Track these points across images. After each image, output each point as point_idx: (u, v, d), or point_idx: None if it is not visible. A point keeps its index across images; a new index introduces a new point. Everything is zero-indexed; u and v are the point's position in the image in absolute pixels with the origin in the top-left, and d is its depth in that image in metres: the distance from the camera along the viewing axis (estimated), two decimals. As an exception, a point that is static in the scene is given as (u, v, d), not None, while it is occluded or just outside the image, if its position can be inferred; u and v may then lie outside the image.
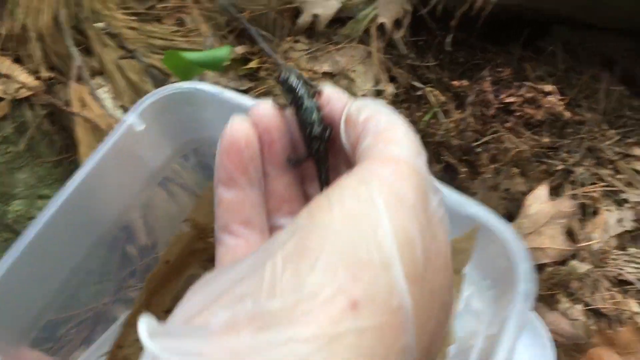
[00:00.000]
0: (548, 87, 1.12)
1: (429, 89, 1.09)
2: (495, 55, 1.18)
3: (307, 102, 0.34)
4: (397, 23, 1.08)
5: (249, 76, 1.04)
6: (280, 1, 1.09)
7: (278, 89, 0.99)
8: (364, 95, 1.05)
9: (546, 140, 1.03)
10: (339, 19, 1.09)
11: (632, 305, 0.90)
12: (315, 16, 1.07)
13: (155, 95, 0.60)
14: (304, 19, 1.07)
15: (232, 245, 0.33)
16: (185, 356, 0.21)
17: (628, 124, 1.11)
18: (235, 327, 0.22)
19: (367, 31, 1.08)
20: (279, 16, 1.10)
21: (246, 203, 0.33)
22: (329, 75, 1.06)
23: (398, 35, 1.08)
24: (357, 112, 0.32)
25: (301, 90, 0.35)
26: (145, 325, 0.22)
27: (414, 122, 1.01)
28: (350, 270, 0.23)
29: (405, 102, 1.08)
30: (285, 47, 1.08)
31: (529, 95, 1.11)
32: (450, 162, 0.89)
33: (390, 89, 1.06)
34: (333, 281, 0.23)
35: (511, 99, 1.11)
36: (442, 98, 1.08)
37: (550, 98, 1.11)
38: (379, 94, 1.05)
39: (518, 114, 1.10)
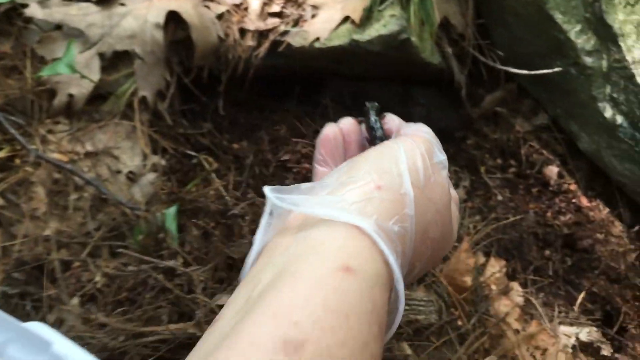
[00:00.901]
0: (323, 140, 1.15)
1: (203, 156, 1.08)
2: (272, 113, 1.19)
3: (374, 118, 0.56)
4: (161, 94, 1.07)
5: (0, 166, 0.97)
6: (34, 83, 1.04)
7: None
8: (130, 172, 1.01)
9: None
10: (100, 96, 1.05)
11: None
12: (71, 96, 1.02)
13: None
14: (59, 99, 1.02)
15: None
16: (286, 202, 0.40)
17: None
18: (314, 191, 0.43)
19: (130, 105, 1.05)
20: (36, 99, 1.04)
21: None
22: (92, 155, 1.02)
23: (163, 106, 1.06)
24: (402, 127, 0.54)
25: (372, 112, 0.57)
26: (269, 187, 0.41)
27: (184, 191, 0.99)
28: (378, 174, 0.43)
29: (179, 171, 1.06)
30: (44, 130, 1.03)
31: (305, 150, 1.13)
32: (205, 227, 0.87)
33: (159, 161, 1.03)
34: (368, 177, 0.43)
35: (288, 157, 1.12)
36: (216, 164, 1.07)
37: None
38: (149, 167, 1.02)
39: (296, 170, 1.11)
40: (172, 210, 0.87)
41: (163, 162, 1.03)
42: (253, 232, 0.89)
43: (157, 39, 1.04)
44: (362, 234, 0.39)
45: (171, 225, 0.86)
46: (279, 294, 0.34)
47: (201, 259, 0.81)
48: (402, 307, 0.41)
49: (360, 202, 0.41)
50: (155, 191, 0.97)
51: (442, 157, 0.51)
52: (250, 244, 0.80)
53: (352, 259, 0.37)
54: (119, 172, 1.01)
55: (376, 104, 0.60)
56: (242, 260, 0.86)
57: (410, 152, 0.47)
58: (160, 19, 1.04)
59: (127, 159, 1.02)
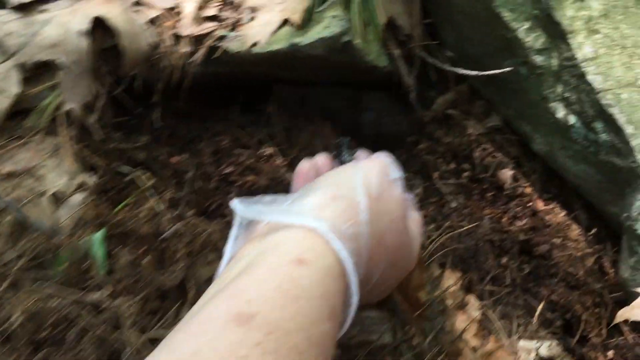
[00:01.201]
0: (268, 151, 1.08)
1: (138, 171, 1.00)
2: (214, 123, 1.12)
3: (346, 152, 0.64)
4: (90, 107, 0.99)
5: None
6: (-54, 99, 0.95)
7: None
8: (56, 193, 0.93)
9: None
10: (22, 111, 0.97)
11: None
12: (-12, 112, 0.93)
13: None
14: (-25, 116, 0.93)
15: None
16: (251, 212, 0.48)
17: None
18: (277, 202, 0.50)
19: (55, 120, 0.97)
20: (-51, 116, 0.95)
21: None
22: (13, 176, 0.93)
23: (92, 119, 0.98)
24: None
25: (344, 147, 0.66)
26: (235, 199, 0.50)
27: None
28: (335, 186, 0.50)
29: (112, 190, 0.98)
30: (-41, 150, 0.94)
31: (249, 162, 1.06)
32: (136, 253, 0.80)
33: (89, 179, 0.95)
34: (325, 189, 0.50)
35: (231, 169, 1.06)
36: (152, 180, 0.99)
37: (271, 162, 1.07)
38: (77, 187, 0.94)
39: (239, 183, 1.05)
40: (98, 235, 0.80)
41: (93, 180, 0.95)
42: (189, 254, 0.83)
43: (83, 47, 0.96)
44: (316, 234, 0.44)
45: (98, 252, 0.79)
46: (239, 282, 0.39)
47: (131, 289, 0.74)
48: (355, 299, 0.45)
49: (316, 209, 0.47)
50: (84, 214, 0.89)
51: (397, 174, 0.58)
52: (186, 268, 0.73)
53: (305, 253, 0.42)
54: (42, 193, 0.92)
55: (348, 139, 0.70)
56: (176, 288, 0.79)
57: (366, 169, 0.54)
58: (85, 25, 0.96)
59: (52, 178, 0.94)
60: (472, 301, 0.89)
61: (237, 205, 0.49)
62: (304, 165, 0.64)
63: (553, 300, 0.96)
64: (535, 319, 0.88)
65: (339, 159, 0.64)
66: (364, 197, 0.50)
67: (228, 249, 0.48)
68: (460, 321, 0.87)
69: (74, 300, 0.75)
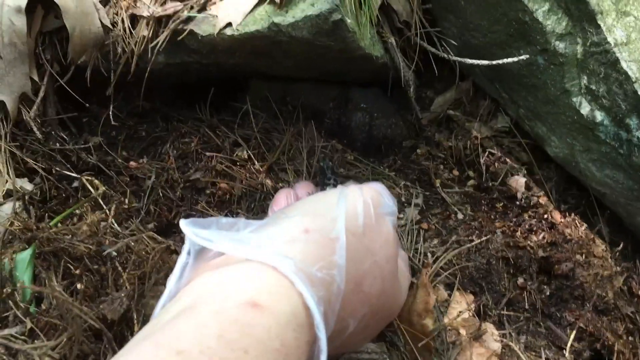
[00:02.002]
0: (244, 154, 0.93)
1: (87, 177, 0.84)
2: (180, 123, 0.96)
3: (331, 179, 0.61)
4: (28, 100, 0.82)
5: None
6: None
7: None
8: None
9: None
10: (-56, 103, 0.80)
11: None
12: None
13: None
14: None
15: None
16: (202, 238, 0.38)
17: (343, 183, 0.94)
18: (235, 227, 0.41)
19: (-15, 115, 0.80)
20: None
21: None
22: None
23: (30, 115, 0.81)
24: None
25: (328, 171, 0.63)
26: (184, 220, 0.39)
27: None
28: (311, 217, 0.42)
29: (54, 199, 0.81)
30: None
31: (221, 167, 0.90)
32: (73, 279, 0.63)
33: (25, 185, 0.78)
34: (299, 219, 0.42)
35: (199, 175, 0.89)
36: (102, 188, 0.82)
37: (247, 167, 0.91)
38: (8, 195, 0.77)
39: (209, 191, 0.89)
40: (25, 255, 0.63)
41: (29, 187, 0.79)
42: (138, 280, 0.66)
43: (19, 27, 0.80)
44: (279, 274, 0.36)
45: (23, 275, 0.61)
46: (174, 326, 0.31)
47: (57, 325, 0.56)
48: (323, 357, 0.36)
49: (282, 244, 0.39)
50: (13, 226, 0.72)
51: (391, 205, 0.50)
52: (131, 297, 0.55)
53: (262, 295, 0.34)
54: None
55: (330, 162, 0.64)
56: (117, 323, 0.62)
57: (352, 198, 0.45)
58: (22, 1, 0.80)
59: (-21, 184, 0.77)
60: (490, 330, 0.74)
61: (186, 226, 0.40)
62: (282, 192, 0.58)
63: (580, 327, 0.81)
64: (567, 352, 0.73)
65: (321, 187, 0.58)
66: (344, 233, 0.41)
67: (172, 280, 0.39)
68: (477, 355, 0.72)
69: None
